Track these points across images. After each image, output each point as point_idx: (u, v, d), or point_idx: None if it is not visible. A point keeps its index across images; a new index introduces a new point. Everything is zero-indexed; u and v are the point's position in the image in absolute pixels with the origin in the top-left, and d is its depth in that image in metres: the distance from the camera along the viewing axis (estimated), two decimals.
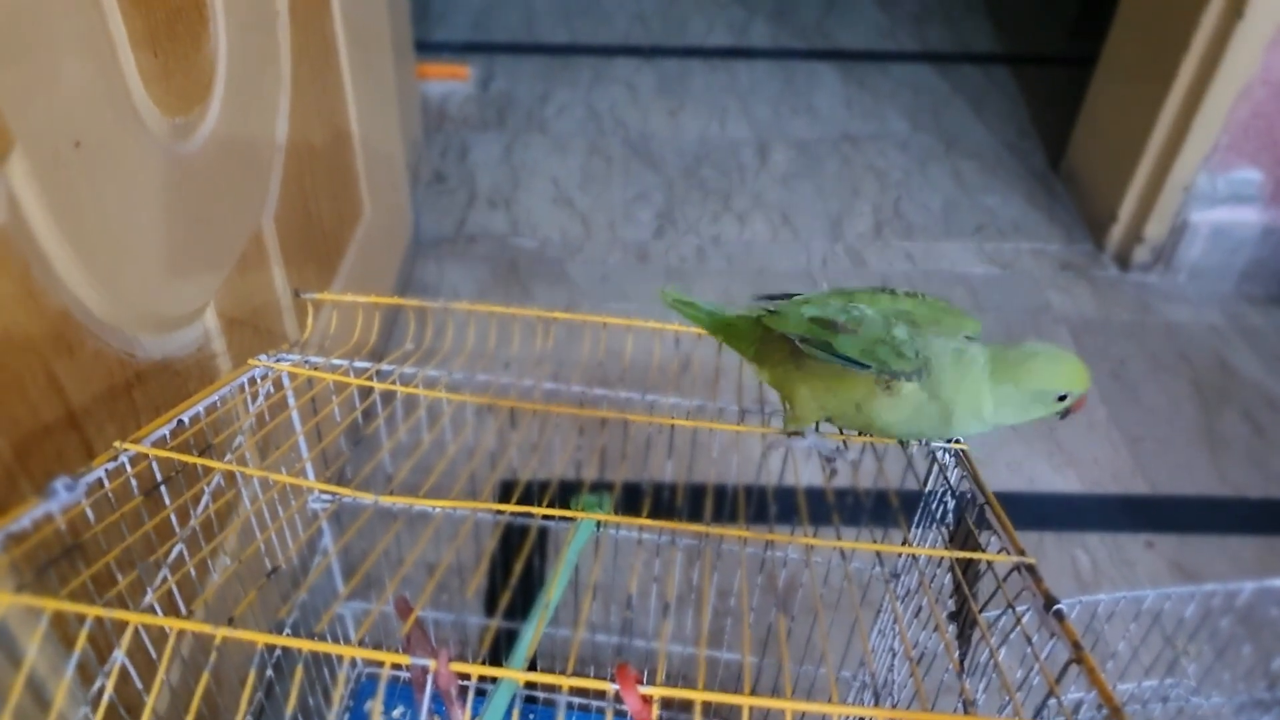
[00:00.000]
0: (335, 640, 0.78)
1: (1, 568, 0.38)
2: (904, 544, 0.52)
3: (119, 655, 0.38)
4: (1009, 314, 1.43)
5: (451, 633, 0.91)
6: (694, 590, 0.95)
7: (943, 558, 0.53)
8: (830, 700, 0.37)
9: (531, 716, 0.78)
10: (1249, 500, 1.15)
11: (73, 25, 0.50)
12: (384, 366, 0.62)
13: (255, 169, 0.79)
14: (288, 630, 0.67)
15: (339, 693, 0.39)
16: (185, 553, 0.48)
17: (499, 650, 0.87)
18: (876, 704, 0.66)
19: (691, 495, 0.86)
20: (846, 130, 1.89)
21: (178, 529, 0.49)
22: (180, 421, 0.50)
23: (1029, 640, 0.42)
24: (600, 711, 0.73)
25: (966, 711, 0.41)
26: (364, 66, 1.11)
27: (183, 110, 0.64)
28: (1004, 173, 1.78)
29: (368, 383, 0.59)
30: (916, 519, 0.62)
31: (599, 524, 0.59)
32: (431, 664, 0.39)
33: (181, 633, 0.37)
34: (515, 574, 0.48)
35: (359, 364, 0.61)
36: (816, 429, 0.57)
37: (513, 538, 1.02)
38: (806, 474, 1.07)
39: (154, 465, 0.47)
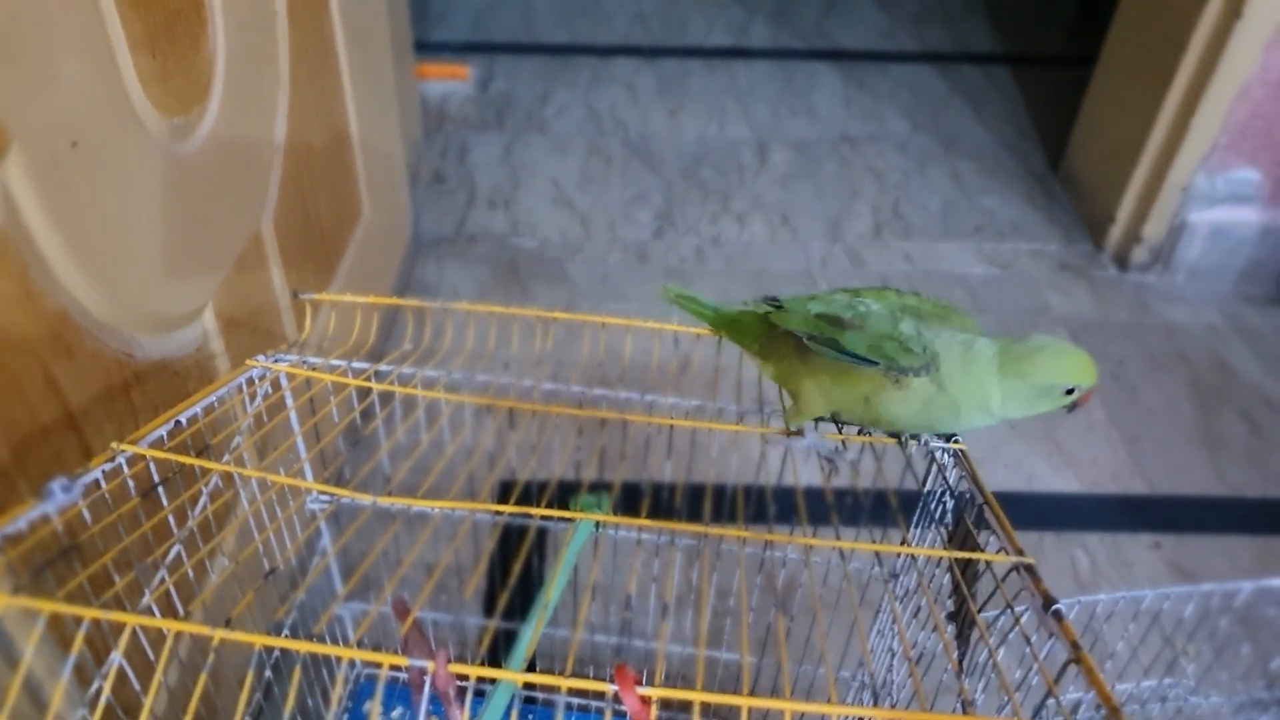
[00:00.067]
0: (334, 641, 0.78)
1: None
2: (903, 544, 0.52)
3: (116, 657, 0.38)
4: (1008, 314, 1.43)
5: (450, 633, 0.91)
6: (693, 590, 0.95)
7: (941, 558, 0.53)
8: (829, 700, 0.37)
9: (530, 717, 0.78)
10: (1247, 500, 1.15)
11: (71, 26, 0.50)
12: (382, 367, 0.62)
13: (254, 169, 0.79)
14: (286, 631, 0.67)
15: (337, 693, 0.38)
16: (183, 554, 0.48)
17: (498, 651, 0.87)
18: (875, 704, 0.66)
19: (690, 495, 0.86)
20: (846, 131, 1.89)
21: (175, 530, 0.49)
22: (178, 422, 0.50)
23: (1028, 640, 0.42)
24: (599, 712, 0.73)
25: (965, 712, 0.41)
26: (363, 67, 1.11)
27: (181, 111, 0.64)
28: (1003, 173, 1.78)
29: (366, 383, 0.59)
30: (915, 519, 0.62)
31: (598, 524, 0.59)
32: (430, 665, 0.39)
33: (179, 634, 0.37)
34: (514, 574, 0.48)
35: (357, 364, 0.61)
36: (816, 427, 0.57)
37: (511, 538, 1.02)
38: (805, 474, 1.07)
39: (151, 466, 0.47)
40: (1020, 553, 0.46)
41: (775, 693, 0.84)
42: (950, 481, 0.55)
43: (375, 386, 0.59)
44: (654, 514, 0.53)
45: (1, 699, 0.42)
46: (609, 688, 0.37)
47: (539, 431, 0.94)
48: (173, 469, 0.48)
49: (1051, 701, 0.39)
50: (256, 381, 0.59)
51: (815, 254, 1.56)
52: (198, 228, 0.67)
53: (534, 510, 0.50)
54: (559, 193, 1.68)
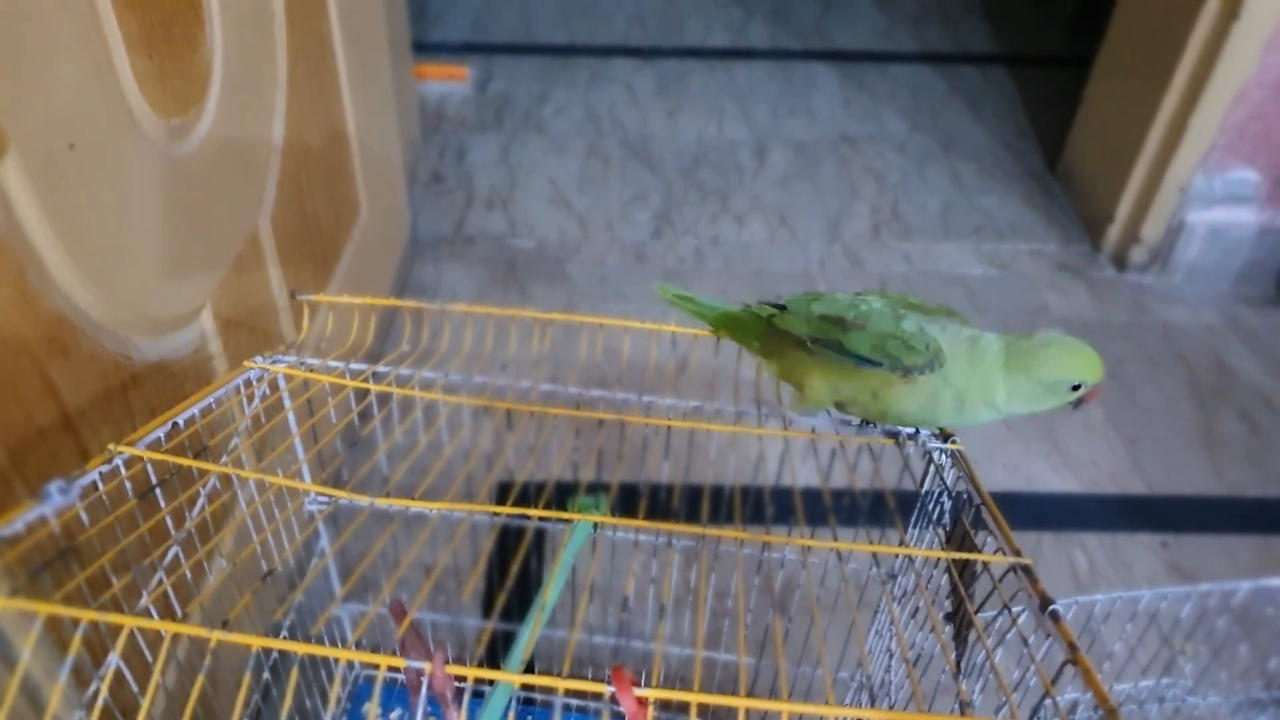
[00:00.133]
0: (332, 642, 0.78)
1: None
2: (901, 545, 0.52)
3: (114, 658, 0.38)
4: (1006, 315, 1.43)
5: (448, 634, 0.91)
6: (691, 591, 0.95)
7: (939, 558, 0.53)
8: (827, 702, 0.37)
9: (528, 718, 0.78)
10: (1246, 500, 1.15)
11: (68, 27, 0.49)
12: (380, 368, 0.62)
13: (251, 170, 0.79)
14: (284, 633, 0.67)
15: (335, 694, 0.38)
16: (181, 555, 0.48)
17: (495, 652, 0.87)
18: (873, 705, 0.66)
19: (688, 496, 0.87)
20: (844, 131, 1.90)
21: (173, 531, 0.49)
22: (176, 424, 0.50)
23: (1025, 641, 0.42)
24: (597, 713, 0.73)
25: (963, 712, 0.41)
26: (361, 67, 1.11)
27: (179, 112, 0.64)
28: (1002, 174, 1.78)
29: (364, 384, 0.59)
30: (913, 520, 0.62)
31: (596, 525, 0.59)
32: (427, 667, 0.39)
33: (177, 636, 0.37)
34: (512, 575, 0.48)
35: (355, 365, 0.61)
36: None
37: (509, 539, 1.02)
38: (804, 475, 1.07)
39: (149, 468, 0.47)
40: (1017, 553, 0.46)
41: (773, 694, 0.84)
42: (948, 482, 0.55)
43: (373, 388, 0.59)
44: (652, 515, 0.53)
45: (0, 700, 0.42)
46: (606, 689, 0.37)
47: (537, 432, 0.94)
48: (170, 470, 0.48)
49: (1049, 702, 0.39)
50: (254, 383, 0.59)
51: (814, 254, 1.56)
52: (195, 228, 0.67)
53: (532, 511, 0.50)
54: (557, 193, 1.68)
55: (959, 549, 0.50)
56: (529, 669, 0.55)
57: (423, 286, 1.43)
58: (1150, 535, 1.09)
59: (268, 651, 0.64)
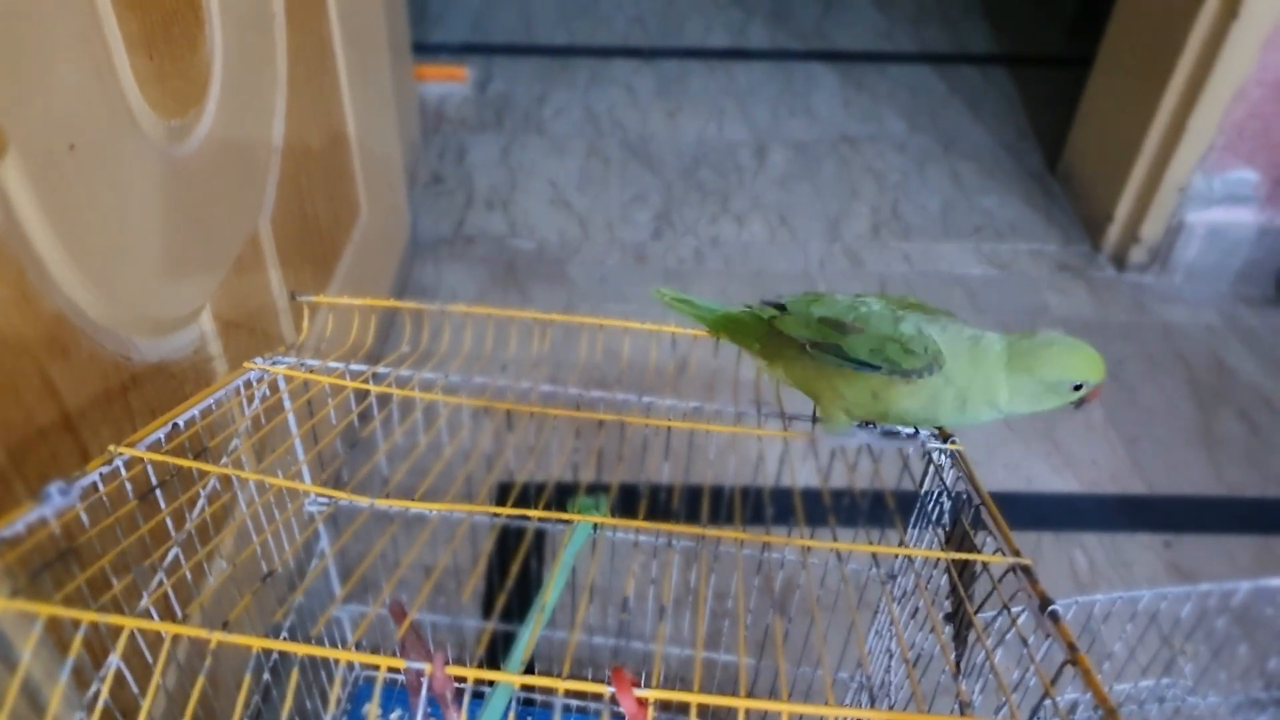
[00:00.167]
0: (332, 643, 0.78)
1: None
2: (900, 545, 0.52)
3: (114, 659, 0.38)
4: (1006, 315, 1.43)
5: (448, 635, 0.91)
6: (691, 592, 0.95)
7: (939, 559, 0.53)
8: (827, 702, 0.37)
9: (529, 719, 0.78)
10: (1245, 500, 1.15)
11: (68, 28, 0.50)
12: (380, 369, 0.62)
13: (251, 171, 0.79)
14: (284, 634, 0.67)
15: (335, 695, 0.39)
16: (181, 556, 0.48)
17: (495, 653, 0.87)
18: (873, 706, 0.66)
19: (688, 497, 0.87)
20: (844, 131, 1.90)
21: (173, 533, 0.49)
22: (176, 425, 0.50)
23: (1024, 641, 0.42)
24: (597, 714, 0.73)
25: (963, 713, 0.41)
26: (361, 68, 1.11)
27: (178, 112, 0.64)
28: (1001, 174, 1.78)
29: (364, 385, 0.59)
30: (913, 520, 0.62)
31: (596, 526, 0.59)
32: (427, 668, 0.39)
33: (177, 637, 0.37)
34: (512, 576, 0.48)
35: (355, 366, 0.61)
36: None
37: (509, 540, 1.02)
38: (803, 475, 1.07)
39: (149, 469, 0.47)
40: (1017, 553, 0.46)
41: (773, 694, 0.84)
42: (947, 482, 0.55)
43: (373, 389, 0.59)
44: (652, 515, 0.53)
45: (0, 702, 0.42)
46: (606, 690, 0.38)
47: (537, 433, 0.94)
48: (170, 471, 0.48)
49: (1048, 702, 0.39)
50: (254, 384, 0.59)
51: (814, 254, 1.56)
52: (195, 229, 0.67)
53: (532, 512, 0.50)
54: (557, 194, 1.68)
55: (958, 549, 0.50)
56: (529, 670, 0.55)
57: (423, 287, 1.43)
58: (1150, 535, 1.09)
59: (268, 652, 0.64)
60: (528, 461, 1.04)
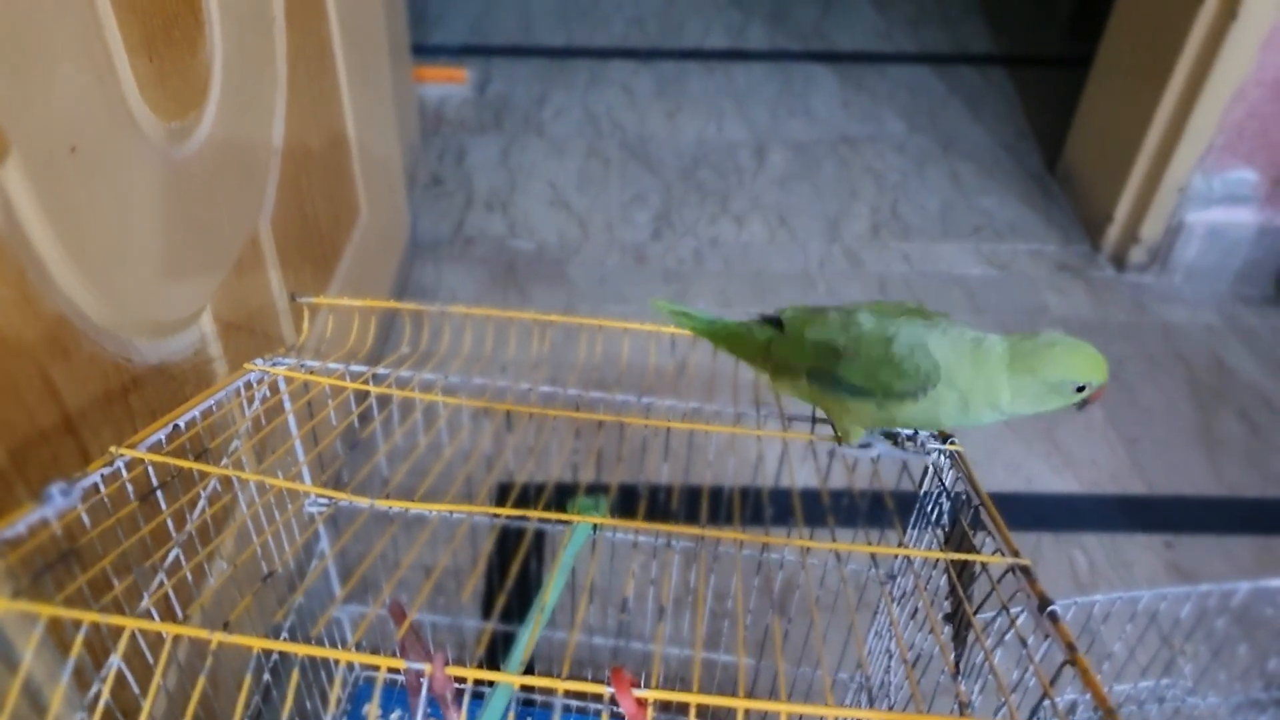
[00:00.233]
0: (332, 643, 0.78)
1: None
2: (899, 546, 0.52)
3: (115, 660, 0.38)
4: (1006, 315, 1.43)
5: (448, 635, 0.91)
6: (691, 592, 0.95)
7: (938, 559, 0.53)
8: (826, 702, 0.37)
9: (529, 719, 0.78)
10: (1245, 500, 1.15)
11: (68, 31, 0.50)
12: (380, 370, 0.62)
13: (252, 172, 0.79)
14: (284, 634, 0.67)
15: (335, 695, 0.39)
16: (182, 557, 0.48)
17: (495, 653, 0.87)
18: (872, 706, 0.66)
19: (688, 497, 0.87)
20: (844, 132, 1.90)
21: (174, 533, 0.49)
22: (176, 426, 0.50)
23: (1024, 642, 0.43)
24: (596, 714, 0.73)
25: (962, 713, 0.41)
26: (360, 69, 1.11)
27: (179, 114, 0.64)
28: (1001, 174, 1.78)
29: (364, 386, 0.59)
30: (912, 521, 0.62)
31: (595, 526, 0.59)
32: (426, 668, 0.39)
33: (178, 637, 0.37)
34: (512, 577, 0.48)
35: (355, 367, 0.61)
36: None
37: (509, 540, 1.02)
38: (802, 476, 1.07)
39: (150, 470, 0.47)
40: (1016, 554, 0.46)
41: (773, 695, 0.84)
42: (946, 483, 0.55)
43: (373, 389, 0.59)
44: (651, 516, 0.53)
45: (1, 702, 0.42)
46: (606, 690, 0.38)
47: (536, 434, 0.94)
48: (171, 473, 0.48)
49: (1048, 703, 0.39)
50: (254, 385, 0.59)
51: (813, 255, 1.56)
52: (195, 231, 0.67)
53: (531, 513, 0.50)
54: (557, 195, 1.68)
55: (958, 550, 0.50)
56: (529, 670, 0.55)
57: (422, 288, 1.44)
58: (1150, 536, 1.10)
59: (268, 653, 0.64)
60: (527, 462, 1.04)
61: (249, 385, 0.59)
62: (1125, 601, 0.68)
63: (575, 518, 0.52)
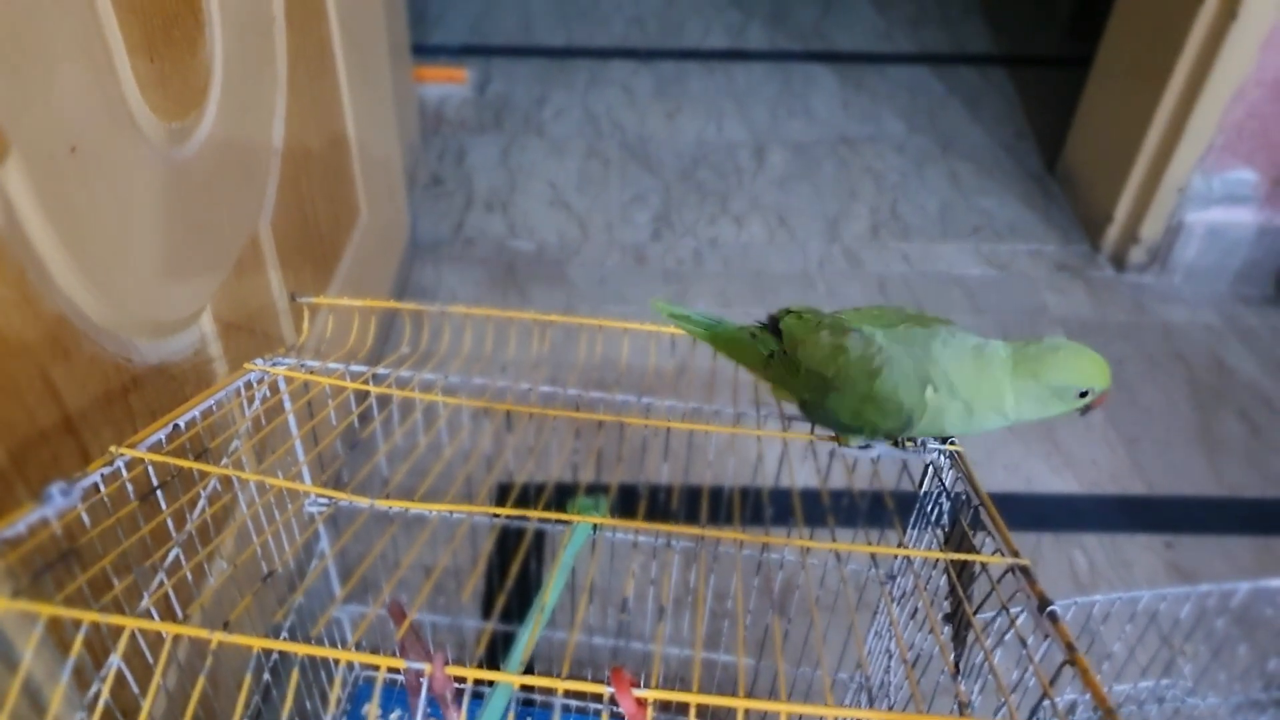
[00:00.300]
0: (332, 643, 0.78)
1: None
2: (899, 546, 0.52)
3: (115, 660, 0.38)
4: (1005, 315, 1.43)
5: (448, 635, 0.91)
6: (690, 592, 0.95)
7: (938, 559, 0.53)
8: (826, 703, 0.37)
9: (528, 719, 0.78)
10: (1245, 500, 1.15)
11: (68, 31, 0.50)
12: (380, 370, 0.62)
13: (252, 173, 0.79)
14: (284, 634, 0.67)
15: (335, 695, 0.39)
16: (182, 557, 0.48)
17: (495, 653, 0.87)
18: (872, 706, 0.66)
19: (688, 497, 0.87)
20: (843, 132, 1.90)
21: (174, 533, 0.49)
22: (176, 426, 0.50)
23: (1023, 642, 0.43)
24: (596, 714, 0.73)
25: (961, 713, 0.41)
26: (360, 70, 1.11)
27: (179, 115, 0.64)
28: (1000, 174, 1.78)
29: (364, 386, 0.59)
30: (912, 521, 0.62)
31: (595, 526, 0.60)
32: (426, 668, 0.39)
33: (178, 637, 0.37)
34: (512, 577, 0.48)
35: (355, 368, 0.61)
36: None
37: (509, 540, 1.02)
38: (802, 476, 1.07)
39: (150, 470, 0.47)
40: (1015, 554, 0.46)
41: (773, 695, 0.84)
42: (946, 483, 0.55)
43: (373, 389, 0.59)
44: (651, 516, 0.53)
45: (1, 701, 0.42)
46: (606, 690, 0.38)
47: (536, 434, 0.94)
48: (171, 472, 0.48)
49: (1047, 703, 0.39)
50: (255, 385, 0.59)
51: (813, 255, 1.56)
52: (196, 231, 0.67)
53: (531, 513, 0.50)
54: (556, 195, 1.68)
55: (957, 550, 0.50)
56: (528, 670, 0.55)
57: (422, 289, 1.44)
58: (1150, 536, 1.10)
59: (268, 653, 0.64)
60: (527, 462, 1.04)
61: (249, 385, 0.59)
62: (1125, 602, 0.68)
63: (575, 518, 0.52)
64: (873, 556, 0.52)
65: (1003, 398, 0.49)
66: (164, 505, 0.48)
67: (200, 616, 0.54)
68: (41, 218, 0.48)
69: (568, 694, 0.37)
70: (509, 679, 0.38)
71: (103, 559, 0.43)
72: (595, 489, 0.64)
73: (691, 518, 0.96)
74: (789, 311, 0.56)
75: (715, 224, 1.63)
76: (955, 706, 0.41)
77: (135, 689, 0.43)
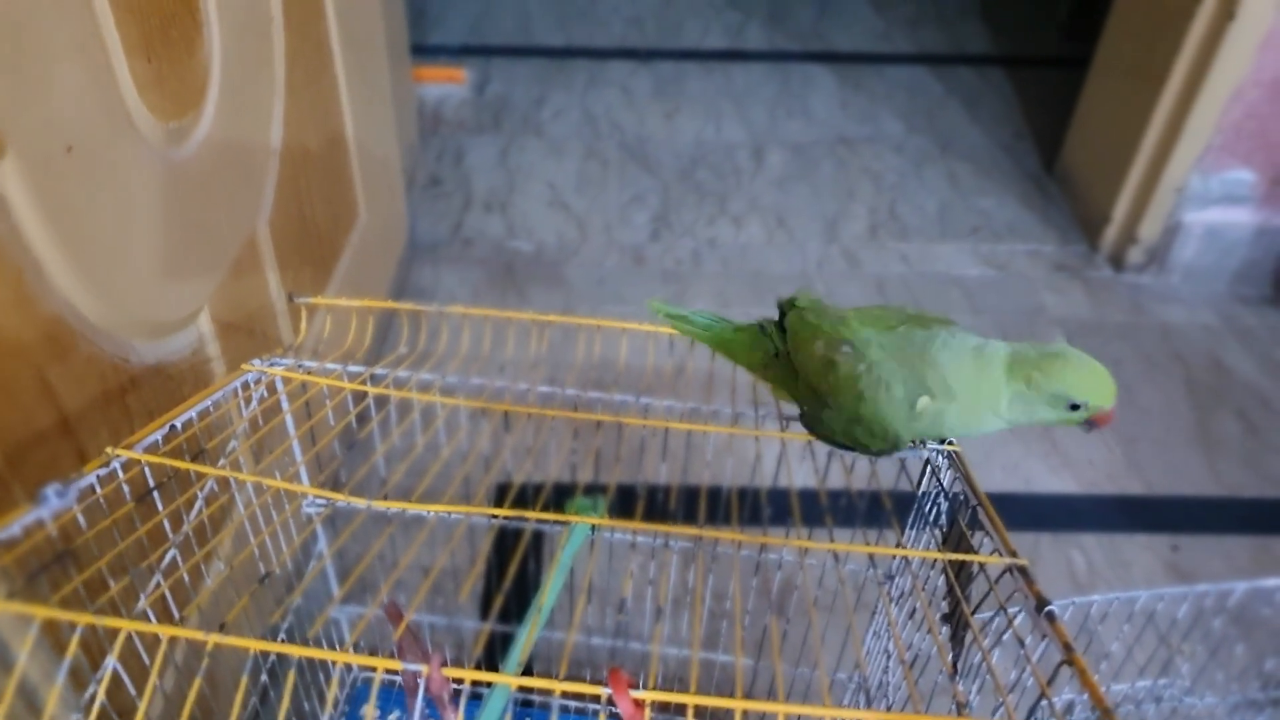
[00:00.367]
0: (330, 644, 0.78)
1: None
2: (897, 546, 0.52)
3: (111, 661, 0.38)
4: (1004, 315, 1.43)
5: (446, 636, 0.91)
6: (689, 593, 0.95)
7: (936, 560, 0.53)
8: (824, 703, 0.37)
9: (526, 719, 0.78)
10: (1243, 500, 1.15)
11: (66, 31, 0.50)
12: (378, 370, 0.62)
13: (250, 173, 0.79)
14: (282, 635, 0.67)
15: (332, 696, 0.39)
16: (179, 558, 0.48)
17: (493, 654, 0.87)
18: (870, 706, 0.66)
19: (685, 498, 0.87)
20: (842, 133, 1.90)
21: (171, 534, 0.49)
22: (174, 426, 0.50)
23: (1021, 642, 0.43)
24: (594, 715, 0.73)
25: (959, 713, 0.41)
26: (359, 70, 1.11)
27: (177, 115, 0.64)
28: (999, 174, 1.79)
29: (362, 387, 0.59)
30: (910, 521, 0.62)
31: (593, 527, 0.59)
32: (424, 669, 0.39)
33: (174, 638, 0.37)
34: (510, 577, 0.48)
35: (353, 368, 0.61)
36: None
37: (507, 541, 1.02)
38: (800, 476, 1.07)
39: (146, 471, 0.47)
40: (1013, 554, 0.46)
41: (771, 695, 0.84)
42: (944, 483, 0.55)
43: (371, 390, 0.59)
44: (649, 516, 0.53)
45: None
46: (603, 691, 0.38)
47: (534, 434, 0.94)
48: (168, 473, 0.48)
49: (1045, 703, 0.39)
50: (252, 385, 0.59)
51: (811, 255, 1.56)
52: (193, 232, 0.67)
53: (529, 513, 0.50)
54: (555, 195, 1.68)
55: (955, 550, 0.50)
56: (526, 671, 0.55)
57: (421, 289, 1.44)
58: (1150, 536, 1.10)
59: (265, 654, 0.64)
60: (525, 462, 1.04)
61: (246, 385, 0.59)
62: (1123, 601, 0.68)
63: (573, 518, 0.52)
64: (871, 557, 0.52)
65: (998, 398, 0.49)
66: (161, 506, 0.48)
67: (197, 618, 0.54)
68: (38, 218, 0.48)
69: (565, 695, 0.37)
70: (507, 680, 0.38)
71: (99, 560, 0.43)
72: (593, 489, 0.64)
73: (689, 518, 0.96)
74: (794, 305, 0.55)
75: (714, 224, 1.63)
76: (953, 707, 0.41)
77: (132, 690, 0.43)
